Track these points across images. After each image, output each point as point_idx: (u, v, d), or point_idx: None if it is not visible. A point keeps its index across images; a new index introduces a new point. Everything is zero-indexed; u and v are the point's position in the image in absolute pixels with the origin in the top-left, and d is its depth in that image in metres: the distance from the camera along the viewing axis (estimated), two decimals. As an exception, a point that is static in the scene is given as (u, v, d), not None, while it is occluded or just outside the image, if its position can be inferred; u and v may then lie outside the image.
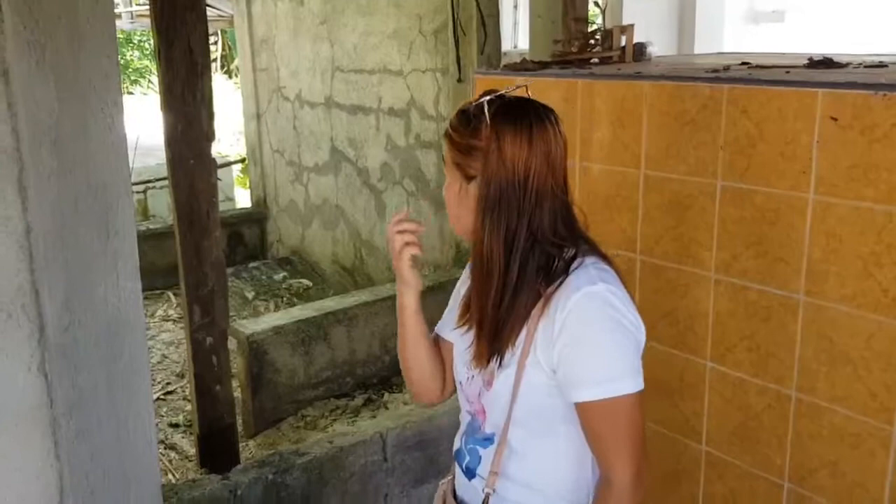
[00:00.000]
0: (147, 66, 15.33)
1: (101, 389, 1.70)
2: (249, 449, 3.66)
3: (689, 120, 1.87)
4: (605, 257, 1.33)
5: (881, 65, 1.94)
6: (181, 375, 4.37)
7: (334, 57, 5.43)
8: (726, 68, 2.07)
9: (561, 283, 1.27)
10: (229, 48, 13.90)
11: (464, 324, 1.40)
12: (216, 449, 2.86)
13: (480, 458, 1.40)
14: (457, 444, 1.48)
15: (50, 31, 1.57)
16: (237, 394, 3.72)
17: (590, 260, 1.30)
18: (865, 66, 1.92)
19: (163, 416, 3.97)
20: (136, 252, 1.74)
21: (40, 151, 1.58)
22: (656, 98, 1.94)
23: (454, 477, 1.49)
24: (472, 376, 1.40)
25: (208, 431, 2.86)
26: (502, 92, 1.32)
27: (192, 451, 3.49)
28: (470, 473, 1.42)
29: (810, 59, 2.06)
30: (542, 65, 2.44)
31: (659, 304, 1.98)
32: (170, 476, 3.38)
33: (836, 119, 1.60)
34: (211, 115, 2.83)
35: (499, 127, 1.27)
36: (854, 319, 1.62)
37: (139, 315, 1.79)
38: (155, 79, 12.46)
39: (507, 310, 1.29)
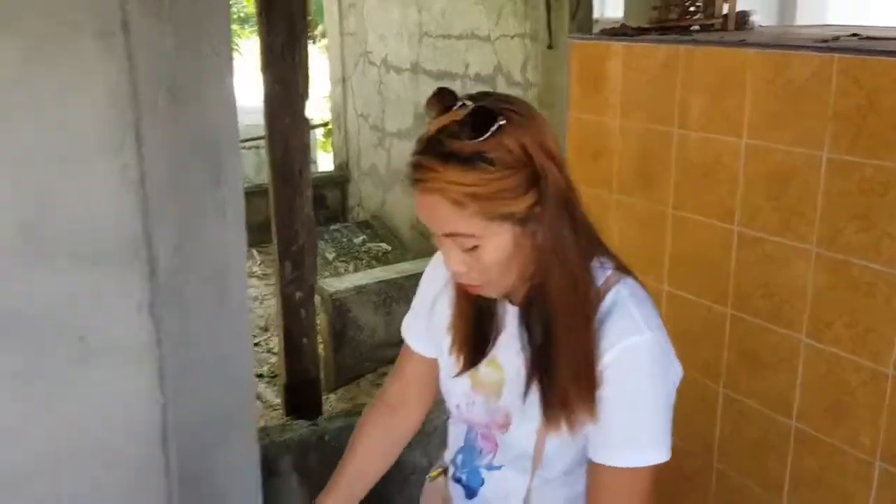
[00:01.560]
0: (235, 31, 15.63)
1: (206, 331, 1.78)
2: (330, 402, 3.77)
3: (796, 89, 1.82)
4: (633, 275, 1.14)
5: None
6: (265, 329, 4.52)
7: (422, 22, 5.44)
8: (836, 38, 2.00)
9: (599, 324, 1.07)
10: (314, 13, 14.03)
11: (464, 369, 1.20)
12: (301, 400, 2.95)
13: (483, 480, 1.25)
14: (450, 453, 1.32)
15: (170, -16, 1.63)
16: (319, 349, 3.83)
17: (625, 289, 1.10)
18: None
19: (248, 367, 4.11)
20: (242, 202, 1.81)
21: (157, 102, 1.65)
22: (761, 66, 1.90)
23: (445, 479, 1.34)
24: (474, 402, 1.22)
25: (295, 383, 2.96)
26: (461, 102, 1.02)
27: (277, 400, 3.62)
28: (470, 492, 1.27)
29: (928, 29, 1.98)
30: (641, 30, 2.40)
31: (756, 277, 1.95)
32: (255, 424, 3.52)
33: (956, 91, 1.54)
34: (306, 77, 2.90)
35: (520, 134, 1.00)
36: (963, 299, 1.58)
37: (242, 262, 1.85)
38: (242, 42, 12.67)
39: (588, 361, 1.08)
